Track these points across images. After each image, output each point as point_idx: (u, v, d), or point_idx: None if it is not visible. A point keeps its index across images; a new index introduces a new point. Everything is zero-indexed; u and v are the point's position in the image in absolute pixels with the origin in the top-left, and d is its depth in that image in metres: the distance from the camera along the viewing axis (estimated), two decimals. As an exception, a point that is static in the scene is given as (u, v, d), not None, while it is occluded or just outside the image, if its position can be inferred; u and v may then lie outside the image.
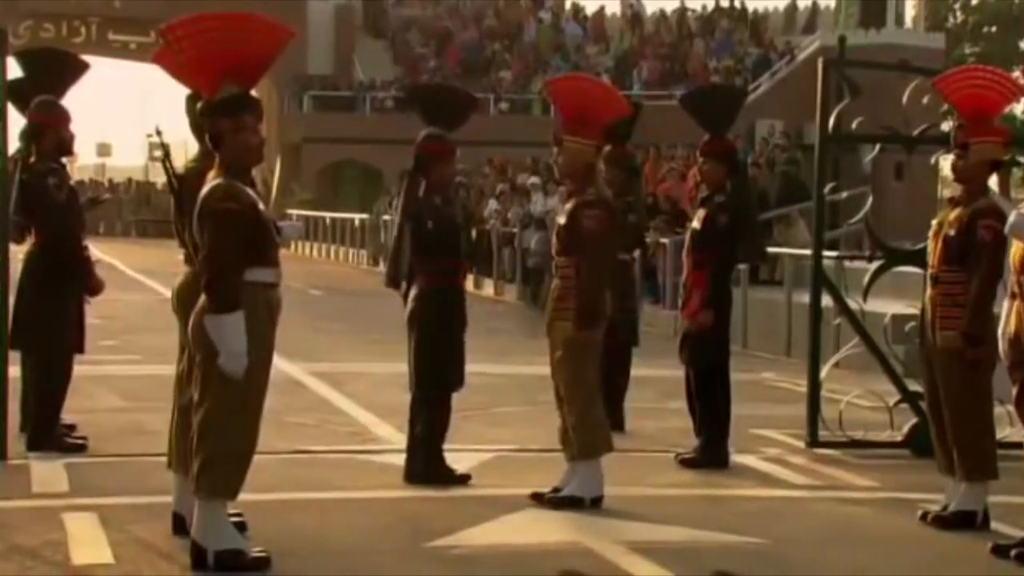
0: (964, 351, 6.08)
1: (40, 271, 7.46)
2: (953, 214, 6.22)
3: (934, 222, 6.41)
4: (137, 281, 20.59)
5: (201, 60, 5.16)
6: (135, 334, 13.33)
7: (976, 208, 6.16)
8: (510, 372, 11.13)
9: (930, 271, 6.33)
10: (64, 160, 7.73)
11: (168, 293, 6.08)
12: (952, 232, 6.16)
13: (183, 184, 5.63)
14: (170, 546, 5.52)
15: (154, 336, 13.27)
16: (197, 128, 5.58)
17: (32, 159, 7.55)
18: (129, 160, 48.55)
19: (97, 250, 8.05)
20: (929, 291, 6.29)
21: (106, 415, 8.76)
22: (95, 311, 7.94)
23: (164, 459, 5.81)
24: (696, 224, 7.66)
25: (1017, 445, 7.98)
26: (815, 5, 35.88)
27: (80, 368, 7.83)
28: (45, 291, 7.44)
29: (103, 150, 50.03)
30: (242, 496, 5.24)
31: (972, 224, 6.12)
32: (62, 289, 7.47)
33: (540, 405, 8.75)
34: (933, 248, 6.30)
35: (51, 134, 7.52)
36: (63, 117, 7.58)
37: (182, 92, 5.72)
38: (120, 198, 39.19)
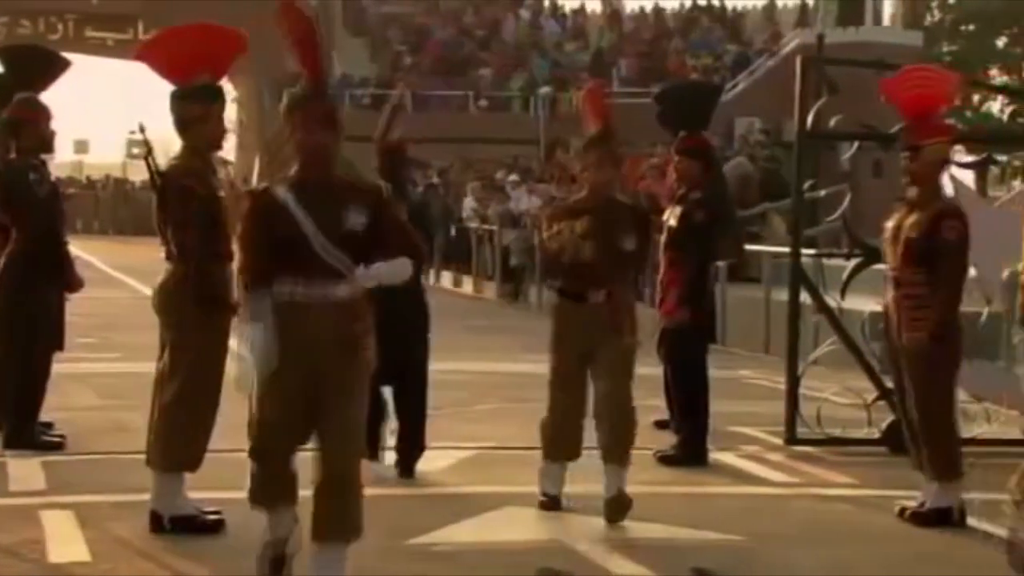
0: (930, 352, 6.10)
1: (20, 267, 7.43)
2: (912, 217, 6.21)
3: (888, 224, 6.40)
4: (115, 278, 20.52)
5: (174, 57, 5.70)
6: (113, 331, 13.28)
7: (939, 209, 6.19)
8: (489, 370, 11.12)
9: (891, 274, 6.33)
10: (44, 157, 7.72)
11: (147, 290, 6.07)
12: (915, 235, 6.16)
13: (166, 181, 5.72)
14: (147, 544, 5.50)
15: (132, 333, 13.23)
16: (181, 125, 5.68)
17: (12, 155, 7.53)
18: (107, 157, 48.28)
19: (75, 247, 8.02)
20: (891, 293, 6.30)
21: (83, 413, 8.73)
22: (73, 308, 7.92)
23: (142, 457, 5.80)
24: (672, 221, 7.67)
25: (994, 442, 8.03)
26: (803, 2, 35.98)
27: (58, 365, 7.80)
28: (25, 287, 7.41)
29: (80, 147, 49.76)
30: (219, 494, 5.24)
31: (936, 226, 6.13)
32: (42, 286, 7.44)
33: (519, 403, 8.76)
34: (892, 251, 6.31)
35: (32, 131, 7.50)
36: (44, 114, 7.56)
37: (160, 90, 5.77)
38: (98, 195, 39.05)
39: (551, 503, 6.36)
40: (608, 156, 6.33)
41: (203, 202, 5.67)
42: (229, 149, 45.44)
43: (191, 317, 5.65)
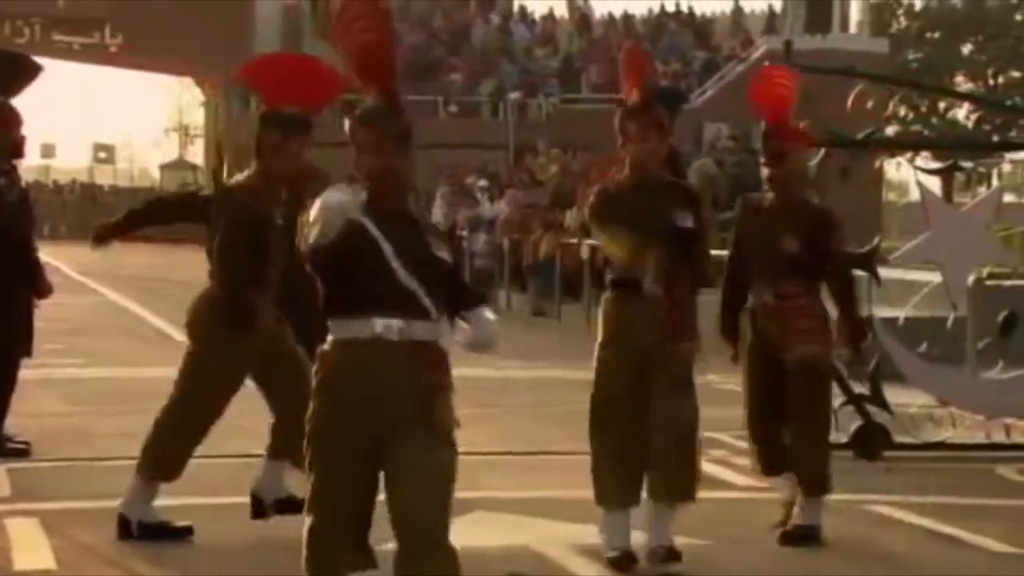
0: (823, 364, 5.97)
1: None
2: (789, 227, 5.92)
3: (737, 233, 6.19)
4: (82, 284, 20.39)
5: (273, 80, 5.75)
6: (79, 337, 13.20)
7: (820, 218, 6.02)
8: (457, 375, 11.10)
9: (765, 289, 6.00)
10: (14, 162, 7.67)
11: (113, 295, 6.05)
12: (795, 247, 5.91)
13: (223, 195, 5.74)
14: (114, 551, 5.47)
15: (99, 339, 13.18)
16: (258, 149, 5.76)
17: None
18: (73, 161, 48.08)
19: (42, 252, 7.96)
20: (768, 306, 6.00)
21: (49, 419, 8.66)
22: (39, 314, 7.87)
23: (108, 463, 5.77)
24: None
25: (959, 446, 8.08)
26: (771, 9, 36.14)
27: (24, 371, 7.75)
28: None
29: (47, 151, 49.53)
30: (196, 499, 5.21)
31: (819, 233, 5.95)
32: (11, 292, 7.38)
33: (489, 407, 8.74)
34: (765, 264, 5.96)
35: (2, 136, 7.45)
36: (15, 119, 7.51)
37: (127, 95, 5.76)
38: (65, 199, 38.83)
39: (624, 559, 5.40)
40: (652, 126, 5.40)
41: (256, 225, 5.60)
42: (197, 154, 45.44)
43: (215, 335, 5.63)
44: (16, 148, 7.57)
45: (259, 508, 5.77)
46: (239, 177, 5.86)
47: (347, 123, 3.93)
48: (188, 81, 43.13)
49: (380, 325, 3.71)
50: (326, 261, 3.68)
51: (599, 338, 5.47)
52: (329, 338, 3.77)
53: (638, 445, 5.29)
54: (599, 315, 5.55)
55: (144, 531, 5.61)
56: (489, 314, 3.94)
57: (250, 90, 5.74)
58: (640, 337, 5.30)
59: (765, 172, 6.08)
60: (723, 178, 17.99)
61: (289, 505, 5.56)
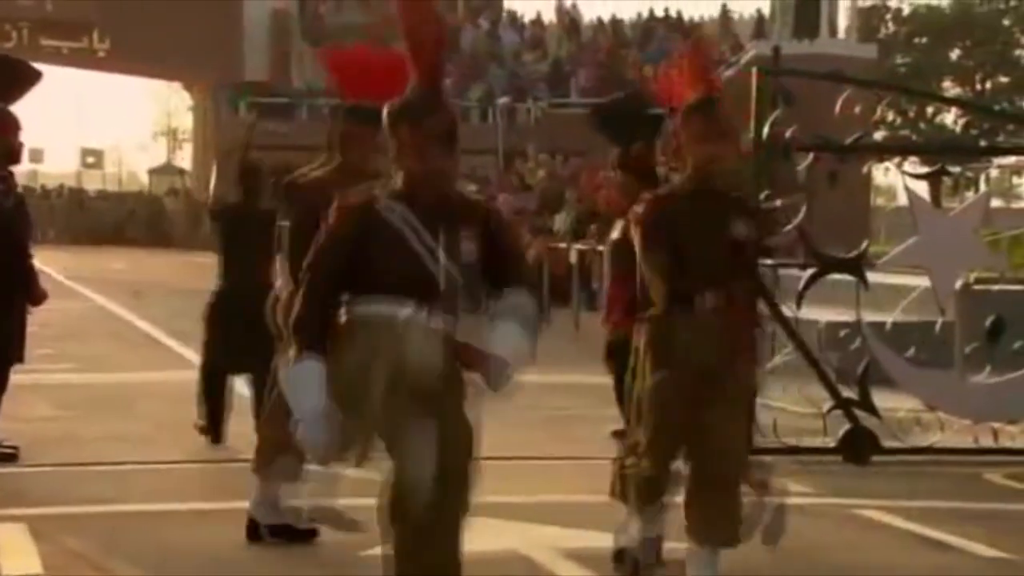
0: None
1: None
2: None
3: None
4: (71, 289, 20.34)
5: (358, 73, 5.56)
6: (68, 342, 13.17)
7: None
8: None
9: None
10: (11, 168, 7.65)
11: (101, 300, 6.03)
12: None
13: (295, 191, 5.56)
14: (101, 557, 5.46)
15: (87, 344, 13.15)
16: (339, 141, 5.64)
17: None
18: (61, 166, 47.99)
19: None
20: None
21: (38, 424, 8.65)
22: (29, 319, 7.85)
23: (96, 468, 5.75)
24: (616, 235, 7.67)
25: (948, 451, 8.09)
26: (760, 14, 36.22)
27: (13, 376, 7.73)
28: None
29: (35, 156, 49.40)
30: (176, 505, 5.20)
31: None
32: (9, 297, 7.37)
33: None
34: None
35: (1, 141, 7.43)
36: (13, 125, 7.49)
37: (115, 100, 5.73)
38: (53, 204, 38.75)
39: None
40: (715, 126, 4.90)
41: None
42: (185, 159, 45.35)
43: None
44: (14, 154, 7.55)
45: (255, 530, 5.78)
46: (310, 171, 5.69)
47: (385, 116, 3.70)
48: (176, 85, 43.12)
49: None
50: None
51: (647, 361, 4.93)
52: None
53: (669, 470, 4.93)
54: (643, 337, 5.01)
55: (272, 532, 5.66)
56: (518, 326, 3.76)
57: (334, 80, 5.48)
58: (698, 358, 4.79)
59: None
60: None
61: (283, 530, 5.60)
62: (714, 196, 4.93)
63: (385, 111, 3.71)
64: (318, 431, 3.68)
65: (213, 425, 7.98)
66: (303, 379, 3.68)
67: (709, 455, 4.79)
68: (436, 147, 3.63)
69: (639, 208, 5.04)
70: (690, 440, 4.85)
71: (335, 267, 3.73)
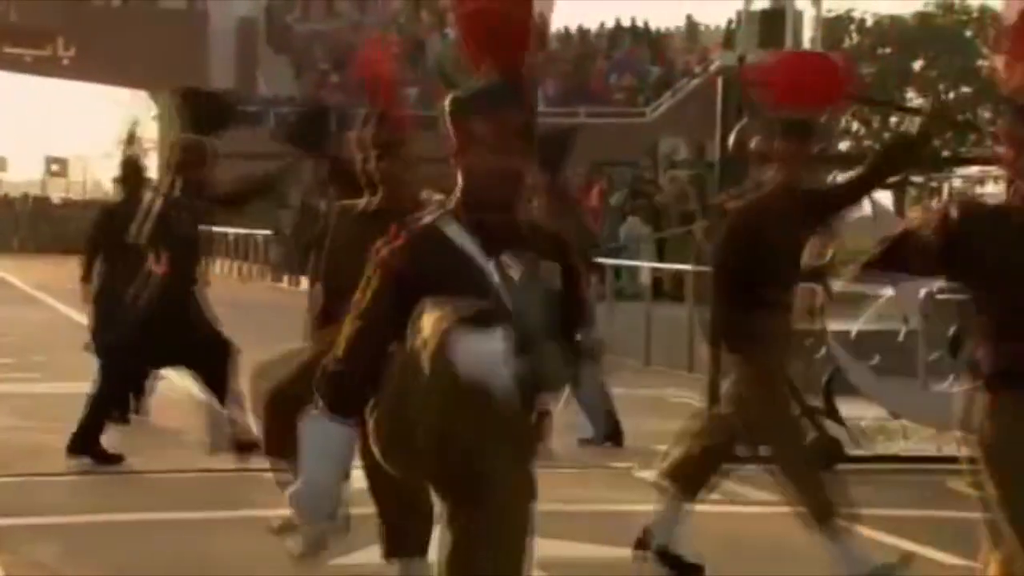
0: None
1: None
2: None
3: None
4: (34, 298, 20.19)
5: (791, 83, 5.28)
6: (31, 351, 13.07)
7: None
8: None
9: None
10: None
11: (65, 309, 5.99)
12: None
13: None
14: (65, 567, 5.42)
15: (51, 353, 13.04)
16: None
17: None
18: (25, 175, 47.65)
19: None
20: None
21: (1, 434, 8.58)
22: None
23: (59, 478, 5.71)
24: None
25: (911, 459, 8.14)
26: (729, 24, 36.37)
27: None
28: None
29: (-1, 164, 49.13)
30: (138, 515, 5.15)
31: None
32: None
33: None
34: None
35: None
36: None
37: (80, 108, 5.67)
38: (17, 213, 38.49)
39: None
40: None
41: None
42: (151, 167, 45.07)
43: None
44: None
45: None
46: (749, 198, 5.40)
47: (447, 106, 3.17)
48: (142, 93, 42.92)
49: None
50: None
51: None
52: None
53: None
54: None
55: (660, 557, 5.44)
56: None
57: (756, 91, 5.13)
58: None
59: (372, 166, 5.04)
60: (693, 189, 18.13)
61: None
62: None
63: (449, 101, 3.21)
64: (323, 508, 3.27)
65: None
66: (329, 445, 3.19)
67: None
68: (516, 144, 3.07)
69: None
70: None
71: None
